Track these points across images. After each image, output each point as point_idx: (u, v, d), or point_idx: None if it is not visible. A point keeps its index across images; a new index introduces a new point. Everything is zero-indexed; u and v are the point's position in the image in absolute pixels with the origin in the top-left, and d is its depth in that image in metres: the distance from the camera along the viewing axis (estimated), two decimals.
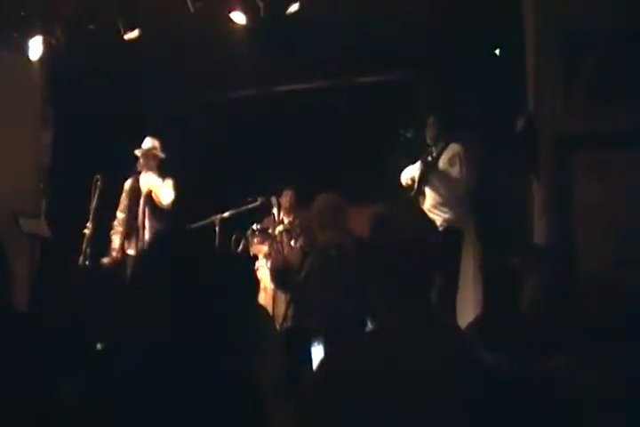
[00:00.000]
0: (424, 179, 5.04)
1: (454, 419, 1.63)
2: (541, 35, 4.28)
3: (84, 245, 5.70)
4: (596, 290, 3.43)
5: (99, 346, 2.45)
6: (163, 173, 6.04)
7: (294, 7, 5.20)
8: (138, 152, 5.99)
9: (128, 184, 6.07)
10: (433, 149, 5.12)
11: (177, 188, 5.97)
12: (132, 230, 5.93)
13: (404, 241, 1.79)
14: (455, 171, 4.94)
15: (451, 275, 4.81)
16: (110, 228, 6.03)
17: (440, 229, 4.74)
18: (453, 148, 5.01)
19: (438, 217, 4.87)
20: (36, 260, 6.00)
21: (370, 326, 3.19)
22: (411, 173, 5.18)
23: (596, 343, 2.55)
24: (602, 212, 3.84)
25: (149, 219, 5.93)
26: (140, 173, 6.03)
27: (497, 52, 5.75)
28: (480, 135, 5.37)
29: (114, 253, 5.86)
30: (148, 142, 6.04)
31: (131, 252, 5.86)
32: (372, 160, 5.51)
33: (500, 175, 5.25)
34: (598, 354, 2.53)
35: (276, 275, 4.74)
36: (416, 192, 5.06)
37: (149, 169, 5.99)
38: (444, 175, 4.95)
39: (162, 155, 6.04)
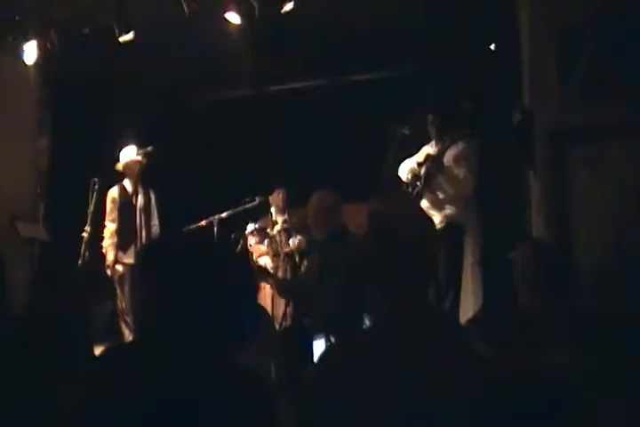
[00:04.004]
0: (430, 175, 5.02)
1: (454, 416, 1.63)
2: (536, 29, 4.28)
3: (82, 249, 5.69)
4: (595, 283, 3.44)
5: (97, 349, 2.45)
6: (146, 180, 6.03)
7: (289, 6, 5.20)
8: (121, 163, 5.97)
9: (115, 193, 5.99)
10: (436, 144, 5.10)
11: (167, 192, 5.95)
12: (128, 239, 5.84)
13: (403, 238, 1.78)
14: (462, 170, 4.93)
15: (452, 270, 4.80)
16: (102, 237, 5.94)
17: (442, 224, 4.76)
18: (457, 146, 4.99)
19: (441, 213, 4.87)
20: (34, 264, 5.99)
21: (369, 324, 3.19)
22: (412, 169, 5.14)
23: (594, 337, 2.55)
24: (598, 205, 3.85)
25: (146, 226, 5.88)
26: (123, 180, 6.02)
27: (492, 47, 5.74)
28: (478, 131, 5.36)
29: (109, 265, 5.77)
30: (131, 150, 6.02)
31: (128, 260, 5.71)
32: (369, 157, 5.49)
33: (498, 171, 5.24)
34: (597, 348, 2.53)
35: (280, 286, 4.70)
36: (421, 188, 5.04)
37: (133, 176, 5.99)
38: (450, 173, 4.94)
39: (143, 161, 6.00)
